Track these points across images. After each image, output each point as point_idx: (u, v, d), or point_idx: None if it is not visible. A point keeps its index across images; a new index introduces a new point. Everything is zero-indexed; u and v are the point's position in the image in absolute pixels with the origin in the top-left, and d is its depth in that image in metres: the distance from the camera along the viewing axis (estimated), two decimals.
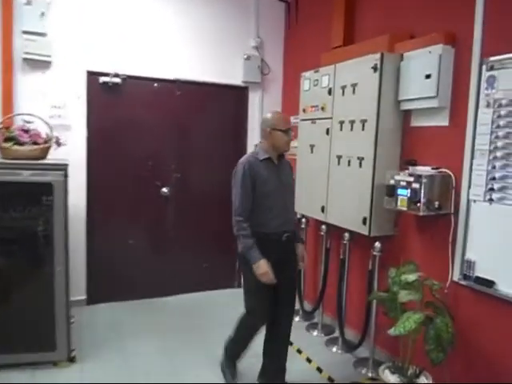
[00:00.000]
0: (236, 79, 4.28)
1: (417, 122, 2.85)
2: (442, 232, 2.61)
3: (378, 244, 2.93)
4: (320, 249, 3.67)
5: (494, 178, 2.30)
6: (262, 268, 2.41)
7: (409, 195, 2.58)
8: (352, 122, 3.04)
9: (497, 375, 2.30)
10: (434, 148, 2.71)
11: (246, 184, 2.45)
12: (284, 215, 2.57)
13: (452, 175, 2.55)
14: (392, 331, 2.21)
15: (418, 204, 2.54)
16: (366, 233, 2.93)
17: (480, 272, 2.37)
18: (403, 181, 2.62)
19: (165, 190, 4.15)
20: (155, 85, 4.03)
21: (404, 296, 2.32)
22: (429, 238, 2.75)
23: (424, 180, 2.49)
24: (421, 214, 2.51)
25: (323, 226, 3.53)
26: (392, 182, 2.70)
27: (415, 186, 2.53)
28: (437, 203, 2.54)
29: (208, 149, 4.32)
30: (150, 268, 4.18)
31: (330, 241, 3.54)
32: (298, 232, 2.86)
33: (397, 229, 3.00)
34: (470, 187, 2.44)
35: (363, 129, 2.94)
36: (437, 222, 2.63)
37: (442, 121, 2.65)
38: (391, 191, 2.71)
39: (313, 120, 3.53)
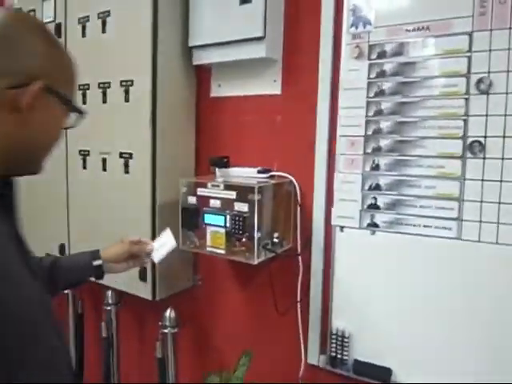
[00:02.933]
0: None
1: (222, 90, 1.62)
2: (283, 284, 1.48)
3: (170, 314, 1.59)
4: (66, 316, 2.07)
5: (377, 187, 1.28)
6: None
7: (228, 225, 1.33)
8: (105, 88, 1.60)
9: None
10: (257, 135, 1.54)
11: None
12: None
13: (296, 183, 1.43)
14: None
15: (244, 240, 1.32)
16: (148, 296, 1.56)
17: (361, 352, 1.33)
18: (216, 198, 1.35)
19: None
20: None
21: None
22: (258, 294, 1.58)
23: (258, 196, 1.27)
24: (256, 262, 1.30)
25: None
26: (192, 200, 1.41)
27: (240, 207, 1.30)
28: (276, 235, 1.38)
29: None
30: None
31: (83, 303, 2.00)
32: None
33: (198, 277, 1.73)
34: (331, 204, 1.37)
35: (127, 99, 1.54)
36: (273, 265, 1.48)
37: (270, 86, 1.50)
38: (191, 219, 1.41)
39: None
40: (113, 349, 1.80)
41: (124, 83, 1.52)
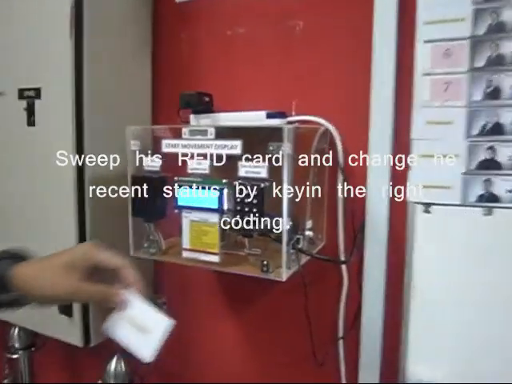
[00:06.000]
0: None
1: None
2: (311, 306, 0.88)
3: (117, 366, 0.94)
4: None
5: (496, 129, 0.70)
6: None
7: (227, 208, 0.70)
8: None
9: None
10: (259, 58, 0.92)
11: None
12: None
13: (335, 131, 0.83)
14: None
15: (255, 233, 0.70)
16: (77, 340, 0.89)
17: None
18: (201, 156, 0.72)
19: None
20: None
21: None
22: (267, 324, 0.96)
23: (289, 150, 0.65)
24: (284, 278, 0.68)
25: None
26: (153, 164, 0.76)
27: (252, 171, 0.68)
28: (309, 226, 0.77)
29: None
30: None
31: None
32: None
33: (161, 299, 1.08)
34: (405, 166, 0.78)
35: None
36: (299, 276, 0.87)
37: None
38: (151, 199, 0.77)
39: None
40: None
41: None
